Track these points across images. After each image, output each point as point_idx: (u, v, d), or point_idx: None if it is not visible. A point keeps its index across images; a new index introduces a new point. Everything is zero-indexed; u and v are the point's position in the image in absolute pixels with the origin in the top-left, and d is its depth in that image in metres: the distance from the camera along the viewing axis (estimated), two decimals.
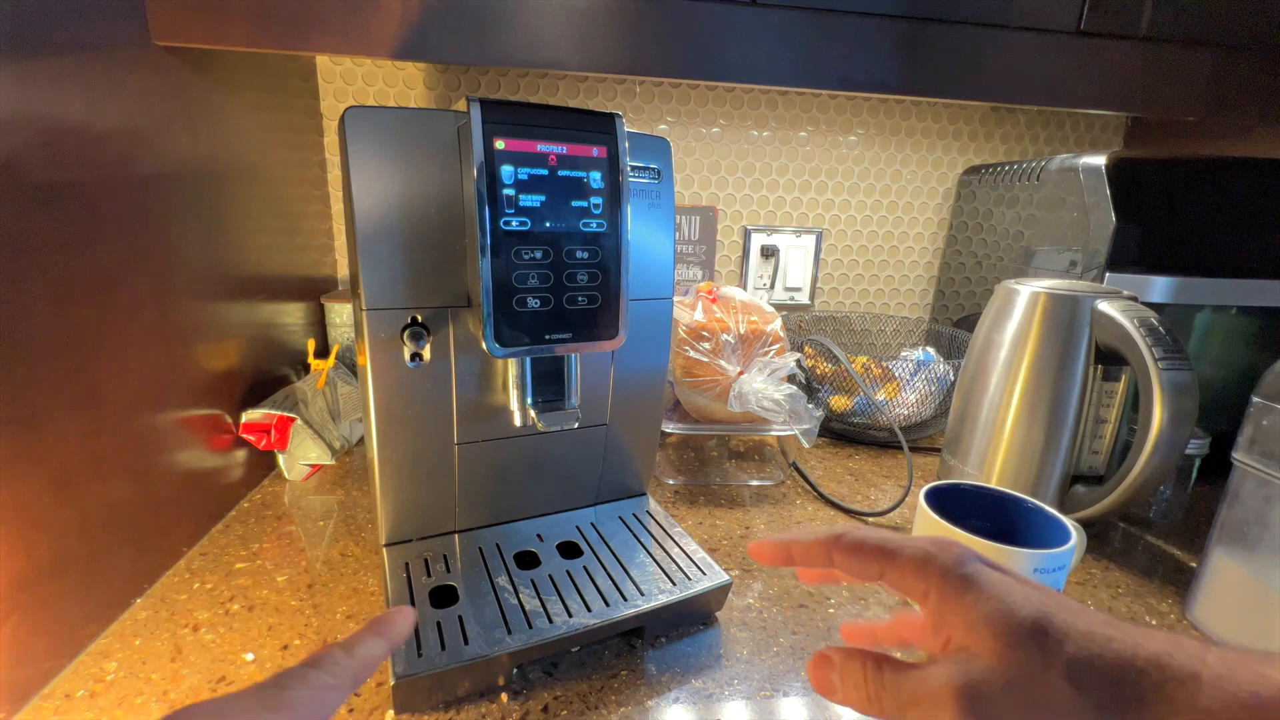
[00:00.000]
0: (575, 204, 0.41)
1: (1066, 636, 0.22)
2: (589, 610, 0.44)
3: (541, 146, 0.39)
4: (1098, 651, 0.21)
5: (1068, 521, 0.46)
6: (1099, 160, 0.71)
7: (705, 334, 0.79)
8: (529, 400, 0.46)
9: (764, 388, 0.77)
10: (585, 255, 0.42)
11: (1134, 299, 0.58)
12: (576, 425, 0.46)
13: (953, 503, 0.48)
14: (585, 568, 0.49)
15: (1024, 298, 0.61)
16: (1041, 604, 0.23)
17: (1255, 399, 0.47)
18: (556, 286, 0.41)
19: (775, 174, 1.01)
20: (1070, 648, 0.21)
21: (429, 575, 0.47)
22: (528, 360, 0.45)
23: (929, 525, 0.46)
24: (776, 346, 0.81)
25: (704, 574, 0.49)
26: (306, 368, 0.76)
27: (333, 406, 0.74)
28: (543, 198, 0.40)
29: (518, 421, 0.47)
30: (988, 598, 0.24)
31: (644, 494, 0.61)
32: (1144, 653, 0.21)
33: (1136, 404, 0.54)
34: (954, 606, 0.24)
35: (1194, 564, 0.56)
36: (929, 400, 0.82)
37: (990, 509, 0.49)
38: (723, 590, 0.49)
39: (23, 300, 0.39)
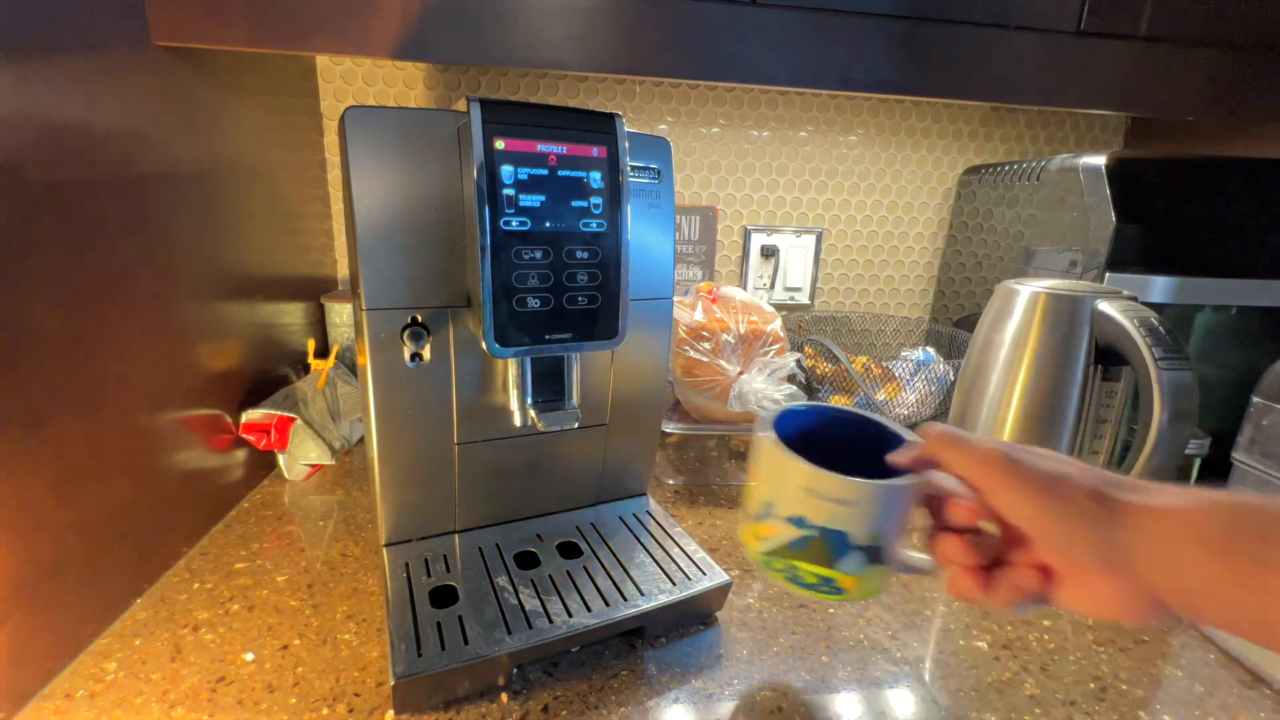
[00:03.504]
0: (575, 204, 0.41)
1: (1075, 478, 0.29)
2: (589, 610, 0.44)
3: (541, 146, 0.39)
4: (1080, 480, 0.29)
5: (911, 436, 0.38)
6: (1099, 160, 0.71)
7: (705, 334, 0.79)
8: (529, 400, 0.46)
9: (764, 388, 0.77)
10: (585, 255, 0.42)
11: (1134, 299, 0.58)
12: (576, 425, 0.46)
13: (816, 426, 0.41)
14: (585, 568, 0.49)
15: (1024, 298, 0.61)
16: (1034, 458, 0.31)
17: (1255, 399, 0.47)
18: (556, 286, 0.41)
19: (775, 174, 1.01)
20: (1087, 480, 0.29)
21: (429, 575, 0.47)
22: (528, 360, 0.45)
23: (772, 455, 0.38)
24: (776, 346, 0.81)
25: (704, 574, 0.49)
26: (306, 368, 0.76)
27: (333, 406, 0.74)
28: (543, 198, 0.40)
29: (518, 421, 0.47)
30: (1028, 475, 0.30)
31: (644, 494, 0.61)
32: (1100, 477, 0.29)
33: (1136, 404, 0.54)
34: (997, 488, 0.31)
35: None
36: (929, 400, 0.82)
37: (858, 433, 0.41)
38: (723, 590, 0.49)
39: (23, 300, 0.39)
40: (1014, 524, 0.30)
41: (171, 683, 0.41)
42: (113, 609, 0.47)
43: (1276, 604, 0.23)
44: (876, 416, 0.41)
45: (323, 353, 0.79)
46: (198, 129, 0.58)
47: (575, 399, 0.48)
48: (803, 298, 1.07)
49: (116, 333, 0.47)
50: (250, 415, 0.64)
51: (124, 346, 0.48)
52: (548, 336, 0.42)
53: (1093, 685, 0.44)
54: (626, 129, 0.42)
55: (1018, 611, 0.33)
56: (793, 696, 0.42)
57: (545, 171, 0.40)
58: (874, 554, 0.37)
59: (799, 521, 0.36)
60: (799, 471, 0.36)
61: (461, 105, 0.49)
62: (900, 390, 0.82)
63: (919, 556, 0.39)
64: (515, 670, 0.42)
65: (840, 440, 0.40)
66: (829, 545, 0.36)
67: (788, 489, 0.37)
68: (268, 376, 0.70)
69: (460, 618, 0.43)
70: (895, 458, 0.36)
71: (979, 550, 0.34)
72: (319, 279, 0.87)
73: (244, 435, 0.63)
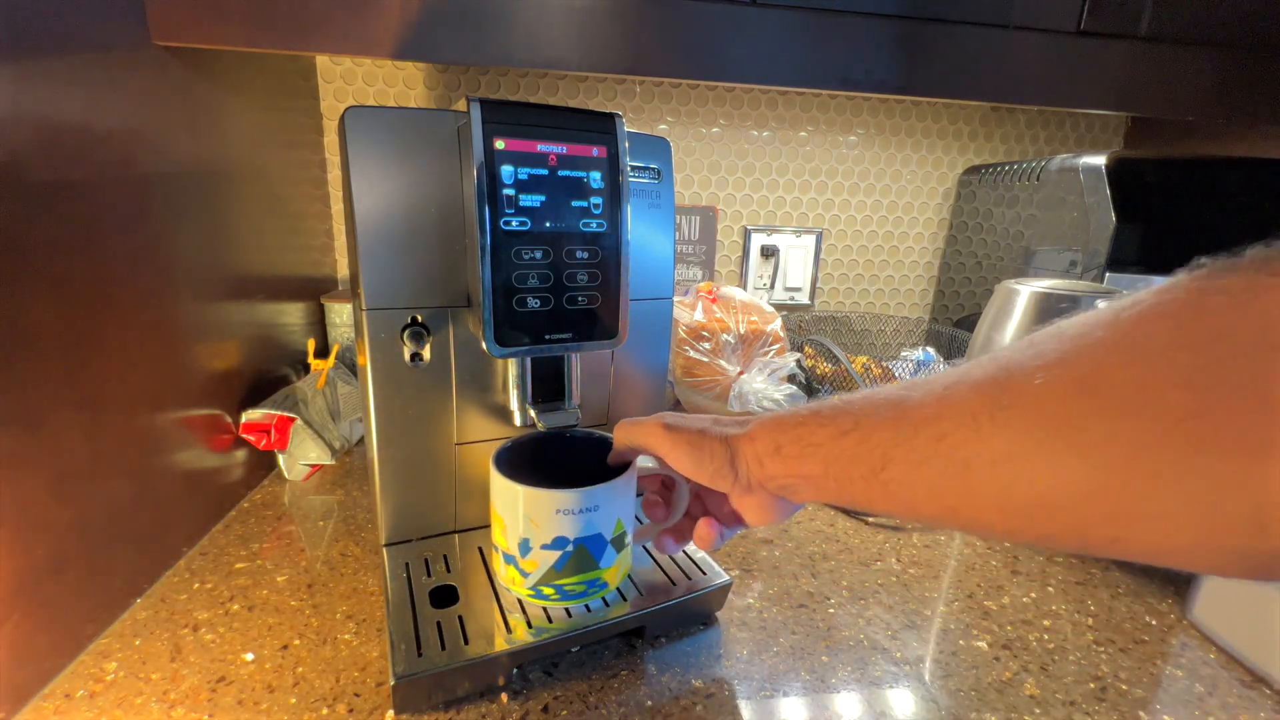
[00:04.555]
0: (575, 204, 0.41)
1: (710, 430, 0.37)
2: (588, 610, 0.44)
3: (541, 146, 0.39)
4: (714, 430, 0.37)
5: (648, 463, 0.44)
6: (1099, 160, 0.71)
7: (705, 334, 0.79)
8: (529, 400, 0.46)
9: (764, 388, 0.77)
10: (585, 255, 0.42)
11: None
12: (576, 425, 0.46)
13: (549, 450, 0.47)
14: None
15: (1024, 298, 0.61)
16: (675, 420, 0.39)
17: None
18: (556, 286, 0.41)
19: (775, 174, 1.01)
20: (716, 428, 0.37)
21: (429, 575, 0.47)
22: (527, 360, 0.45)
23: (523, 496, 0.42)
24: (776, 346, 0.82)
25: (704, 574, 0.49)
26: (306, 368, 0.76)
27: (333, 406, 0.74)
28: (543, 198, 0.40)
29: (518, 421, 0.47)
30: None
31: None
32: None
33: None
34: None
35: None
36: None
37: (559, 446, 0.48)
38: (723, 590, 0.49)
39: (23, 300, 0.39)
40: (685, 475, 0.38)
41: (171, 683, 0.41)
42: (113, 609, 0.47)
43: (823, 484, 0.31)
44: (575, 431, 0.48)
45: (323, 353, 0.79)
46: (198, 129, 0.58)
47: (575, 399, 0.48)
48: (803, 298, 1.07)
49: (116, 333, 0.47)
50: (250, 415, 0.64)
51: (124, 346, 0.48)
52: (547, 336, 0.42)
53: (1093, 685, 0.44)
54: (626, 129, 0.42)
55: (728, 536, 0.41)
56: (793, 697, 0.42)
57: (545, 171, 0.40)
58: (622, 541, 0.44)
59: (559, 542, 0.41)
60: (549, 499, 0.41)
61: (461, 105, 0.49)
62: None
63: (645, 524, 0.46)
64: (515, 670, 0.42)
65: (542, 455, 0.47)
66: (590, 550, 0.42)
67: (541, 519, 0.41)
68: (268, 376, 0.70)
69: (460, 618, 0.43)
70: (611, 458, 0.43)
71: (689, 503, 0.43)
72: (319, 279, 0.87)
73: (244, 435, 0.63)
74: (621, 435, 0.41)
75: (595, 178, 0.41)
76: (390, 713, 0.39)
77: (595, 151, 0.41)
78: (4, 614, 0.38)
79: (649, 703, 0.41)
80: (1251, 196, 0.71)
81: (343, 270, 0.93)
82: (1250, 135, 0.90)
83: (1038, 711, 0.42)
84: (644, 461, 0.44)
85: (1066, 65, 0.66)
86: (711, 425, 0.37)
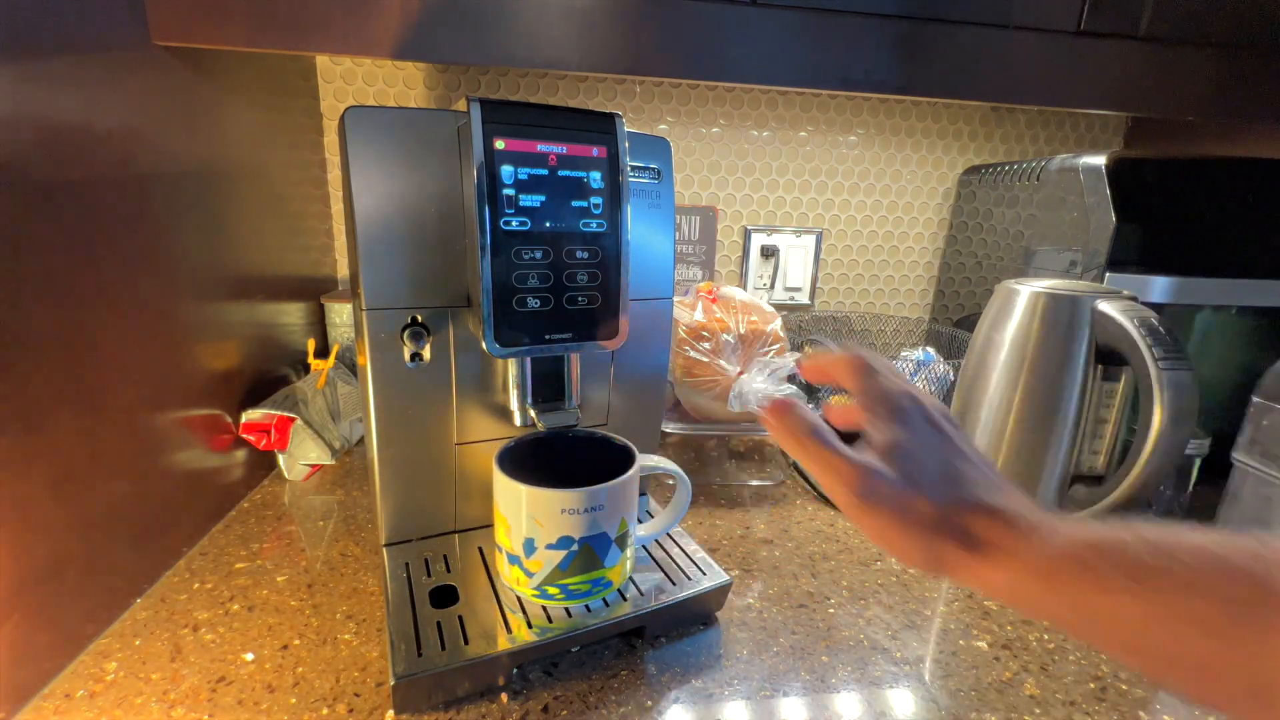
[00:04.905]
0: (575, 204, 0.41)
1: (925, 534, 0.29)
2: (588, 610, 0.44)
3: (541, 146, 0.39)
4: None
5: (654, 462, 0.46)
6: (1099, 160, 0.71)
7: (705, 334, 0.79)
8: (529, 400, 0.46)
9: (764, 388, 0.77)
10: (585, 255, 0.42)
11: (1134, 299, 0.58)
12: (576, 425, 0.46)
13: (549, 450, 0.48)
14: None
15: (1024, 298, 0.61)
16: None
17: (1255, 399, 0.47)
18: (556, 286, 0.41)
19: (775, 174, 1.01)
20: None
21: (429, 575, 0.47)
22: (527, 360, 0.45)
23: (527, 496, 0.42)
24: (776, 346, 0.82)
25: (704, 574, 0.49)
26: (306, 368, 0.76)
27: (333, 406, 0.74)
28: (543, 198, 0.40)
29: (518, 421, 0.47)
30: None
31: (644, 494, 0.61)
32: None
33: (1136, 404, 0.54)
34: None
35: None
36: None
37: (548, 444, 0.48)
38: (723, 590, 0.49)
39: (23, 300, 0.39)
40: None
41: (171, 683, 0.41)
42: (113, 609, 0.47)
43: (1121, 658, 0.25)
44: (577, 430, 0.48)
45: (323, 353, 0.79)
46: (198, 129, 0.58)
47: (575, 399, 0.48)
48: (803, 298, 1.07)
49: (116, 333, 0.47)
50: (250, 415, 0.64)
51: (124, 346, 0.48)
52: (547, 337, 0.42)
53: (1093, 685, 0.44)
54: (626, 129, 0.42)
55: None
56: (793, 697, 0.42)
57: (545, 171, 0.40)
58: (625, 539, 0.44)
59: (564, 542, 0.42)
60: (554, 499, 0.41)
61: (461, 105, 0.49)
62: None
63: (648, 525, 0.47)
64: (515, 670, 0.42)
65: (545, 455, 0.48)
66: (595, 549, 0.42)
67: (546, 519, 0.41)
68: (268, 376, 0.70)
69: (460, 618, 0.43)
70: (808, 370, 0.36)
71: None
72: (319, 279, 0.87)
73: (244, 435, 0.63)
74: (796, 451, 0.31)
75: (595, 178, 0.41)
76: (390, 713, 0.39)
77: (595, 151, 0.41)
78: (4, 614, 0.38)
79: (649, 703, 0.41)
80: (1251, 196, 0.71)
81: (343, 270, 0.93)
82: (1250, 135, 0.90)
83: (1038, 711, 0.42)
84: (646, 460, 0.44)
85: (1066, 65, 0.66)
86: (931, 521, 0.28)
